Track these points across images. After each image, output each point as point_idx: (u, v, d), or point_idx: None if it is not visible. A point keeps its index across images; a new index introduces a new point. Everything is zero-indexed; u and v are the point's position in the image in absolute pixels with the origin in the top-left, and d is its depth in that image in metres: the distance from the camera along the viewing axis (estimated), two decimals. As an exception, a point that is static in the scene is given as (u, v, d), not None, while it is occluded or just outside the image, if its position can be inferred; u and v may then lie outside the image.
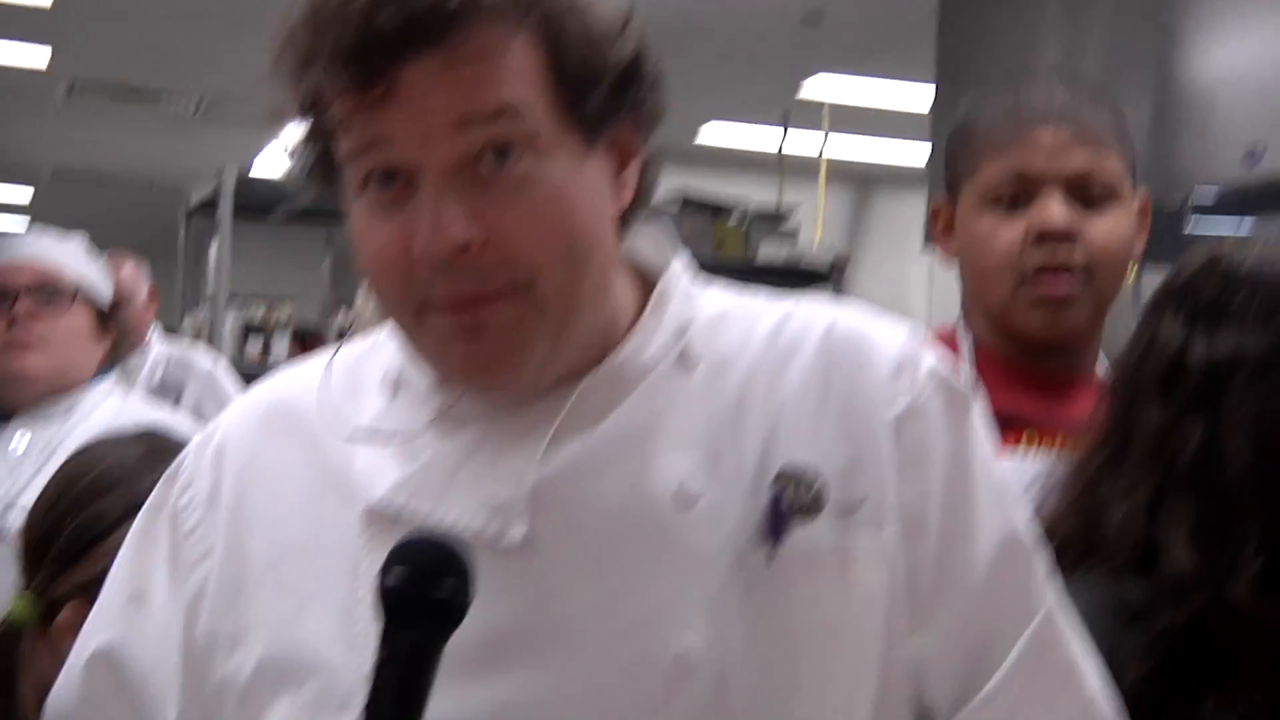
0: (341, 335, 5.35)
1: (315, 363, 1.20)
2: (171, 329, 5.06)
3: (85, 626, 1.18)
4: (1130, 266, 1.82)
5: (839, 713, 1.03)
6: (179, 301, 6.33)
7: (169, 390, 3.95)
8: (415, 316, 1.03)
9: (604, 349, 1.08)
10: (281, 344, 5.44)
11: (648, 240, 1.14)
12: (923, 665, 1.06)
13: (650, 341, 1.09)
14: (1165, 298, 1.46)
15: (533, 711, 1.01)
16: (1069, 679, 1.09)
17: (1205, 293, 1.42)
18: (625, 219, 1.09)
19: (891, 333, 1.11)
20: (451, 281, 1.00)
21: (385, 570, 0.97)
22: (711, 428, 1.07)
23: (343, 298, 6.31)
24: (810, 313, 1.12)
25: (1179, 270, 1.46)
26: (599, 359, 1.07)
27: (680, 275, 1.14)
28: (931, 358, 1.10)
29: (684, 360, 1.09)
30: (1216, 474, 1.35)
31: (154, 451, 1.23)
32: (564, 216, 1.01)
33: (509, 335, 1.02)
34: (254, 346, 5.39)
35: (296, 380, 1.19)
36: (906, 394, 1.07)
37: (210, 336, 5.26)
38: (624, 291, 1.11)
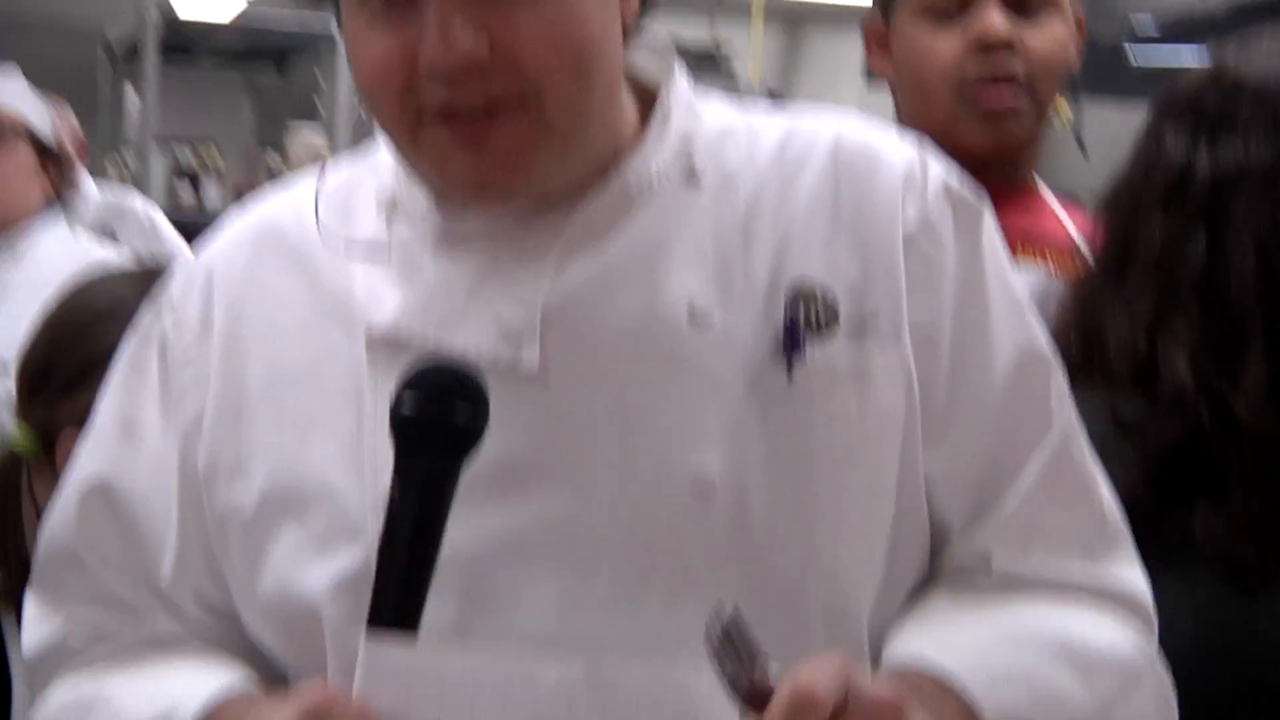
0: (273, 178, 5.25)
1: (301, 186, 1.16)
2: (95, 175, 4.94)
3: (77, 458, 1.15)
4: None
5: (858, 532, 1.03)
6: (100, 147, 6.19)
7: (103, 235, 3.87)
8: (413, 130, 1.00)
9: (608, 164, 1.05)
10: (213, 190, 5.33)
11: (647, 53, 1.11)
12: (937, 481, 1.06)
13: (654, 156, 1.06)
14: (1166, 114, 1.45)
15: (551, 536, 1.00)
16: (1085, 492, 1.10)
17: (1209, 106, 1.41)
18: (627, 32, 1.05)
19: (899, 146, 1.09)
20: (456, 93, 0.97)
21: (398, 398, 0.96)
22: (720, 245, 1.05)
23: (266, 141, 6.19)
24: (815, 126, 1.10)
25: (1180, 87, 1.46)
26: (603, 174, 1.04)
27: (683, 87, 1.11)
28: (940, 169, 1.09)
29: (690, 176, 1.07)
30: (1220, 287, 1.36)
31: (151, 285, 1.21)
32: (573, 27, 0.98)
33: (514, 150, 0.99)
34: (186, 192, 5.28)
35: (283, 203, 1.16)
36: (917, 208, 1.05)
37: (138, 183, 5.15)
38: (626, 105, 1.08)
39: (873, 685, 0.87)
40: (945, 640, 1.01)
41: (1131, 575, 1.10)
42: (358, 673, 0.93)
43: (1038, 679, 1.01)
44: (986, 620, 1.03)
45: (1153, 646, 1.08)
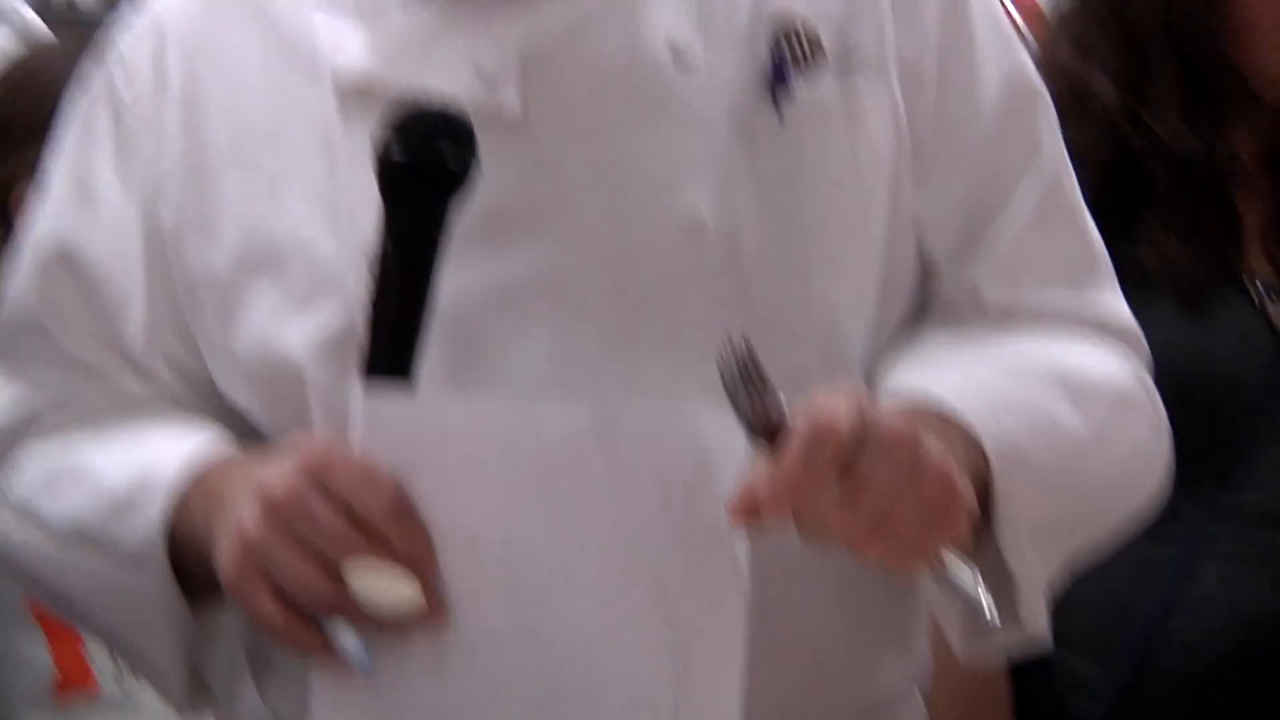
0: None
1: None
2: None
3: (32, 226, 1.10)
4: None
5: (852, 272, 1.02)
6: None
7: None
8: None
9: None
10: (84, -14, 5.09)
11: None
12: (926, 220, 1.05)
13: None
14: None
15: (541, 285, 0.98)
16: (1074, 224, 1.09)
17: None
18: None
19: None
20: None
21: (383, 144, 0.93)
22: None
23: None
24: None
25: None
26: None
27: None
28: None
29: None
30: (1125, 7, 1.44)
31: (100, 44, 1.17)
32: None
33: None
34: (53, -11, 5.03)
35: None
36: None
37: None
38: None
39: (887, 417, 0.87)
40: (942, 374, 1.01)
41: (1120, 305, 1.10)
42: (357, 426, 0.91)
43: (1035, 408, 1.01)
44: (982, 353, 1.03)
45: (1145, 375, 1.09)
